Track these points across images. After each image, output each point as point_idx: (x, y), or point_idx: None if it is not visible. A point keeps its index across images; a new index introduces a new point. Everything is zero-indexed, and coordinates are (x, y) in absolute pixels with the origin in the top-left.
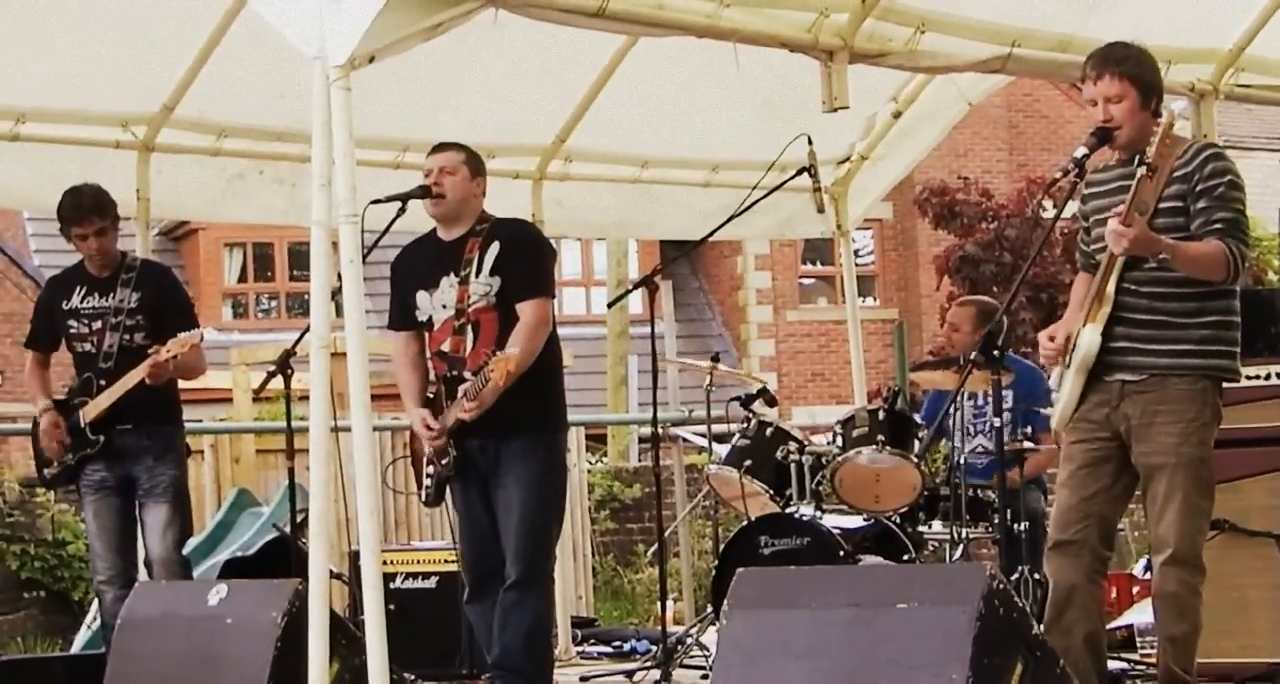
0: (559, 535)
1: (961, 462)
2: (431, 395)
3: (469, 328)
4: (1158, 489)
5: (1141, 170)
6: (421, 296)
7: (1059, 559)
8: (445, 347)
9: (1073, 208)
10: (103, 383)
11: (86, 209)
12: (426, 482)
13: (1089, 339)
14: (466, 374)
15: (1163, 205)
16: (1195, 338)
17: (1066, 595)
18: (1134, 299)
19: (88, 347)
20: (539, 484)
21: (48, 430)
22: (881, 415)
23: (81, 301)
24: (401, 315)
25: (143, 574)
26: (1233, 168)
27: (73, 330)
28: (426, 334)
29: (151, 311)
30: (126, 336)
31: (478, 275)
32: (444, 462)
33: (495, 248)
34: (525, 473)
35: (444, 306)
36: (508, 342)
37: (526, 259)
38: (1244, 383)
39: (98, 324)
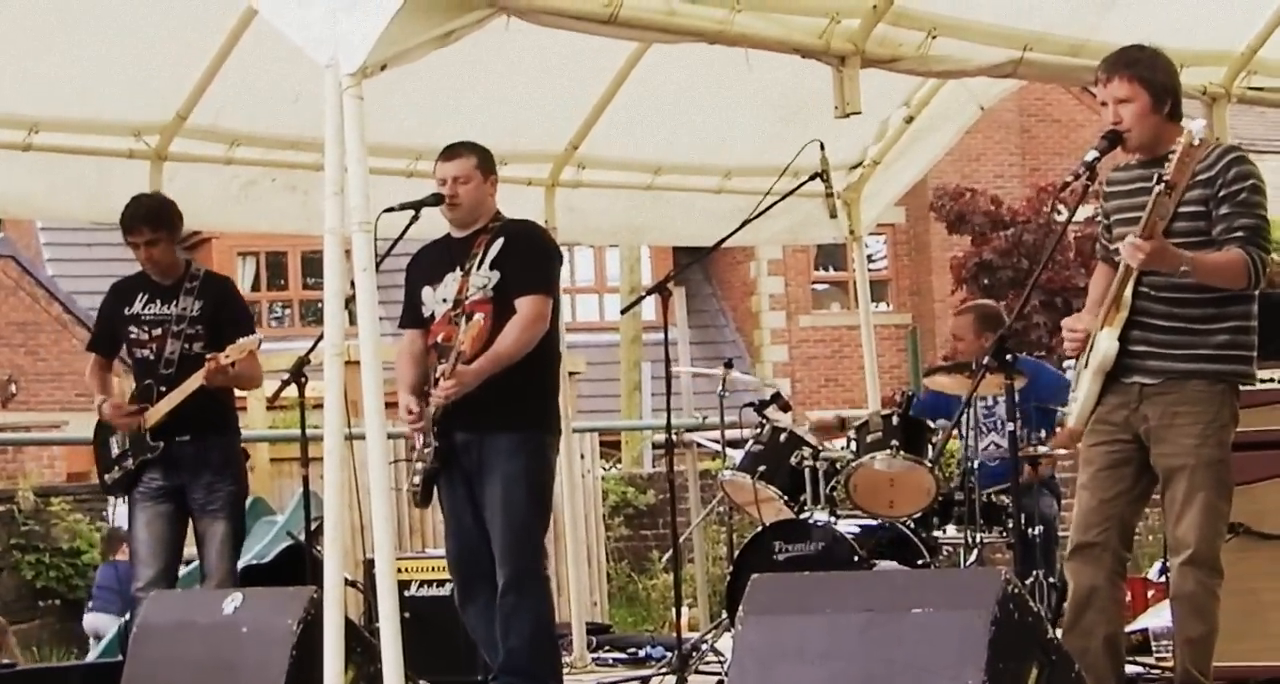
0: (544, 534)
1: (975, 466)
2: (427, 390)
3: (463, 319)
4: (1177, 490)
5: (1159, 188)
6: (426, 292)
7: (1080, 561)
8: (439, 338)
9: (1085, 212)
10: (163, 389)
11: (139, 218)
12: (414, 479)
13: (1106, 344)
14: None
15: (1183, 209)
16: (1214, 343)
17: (1087, 597)
18: (1152, 304)
19: (147, 353)
20: (523, 483)
21: (112, 413)
22: (895, 420)
23: (144, 308)
24: (409, 313)
25: None
26: (1255, 172)
27: (133, 336)
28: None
29: (210, 320)
30: (187, 345)
31: (479, 268)
32: (425, 451)
33: (499, 243)
34: (510, 471)
35: (444, 300)
36: (500, 334)
37: (527, 255)
38: (1259, 386)
39: (158, 331)
